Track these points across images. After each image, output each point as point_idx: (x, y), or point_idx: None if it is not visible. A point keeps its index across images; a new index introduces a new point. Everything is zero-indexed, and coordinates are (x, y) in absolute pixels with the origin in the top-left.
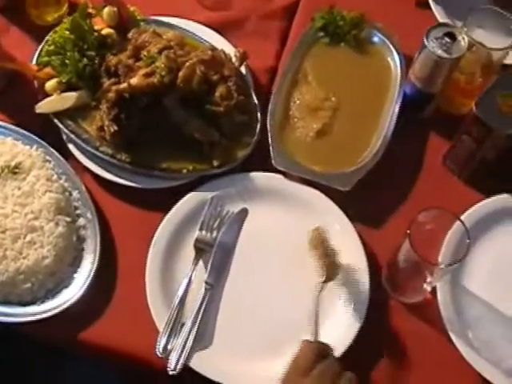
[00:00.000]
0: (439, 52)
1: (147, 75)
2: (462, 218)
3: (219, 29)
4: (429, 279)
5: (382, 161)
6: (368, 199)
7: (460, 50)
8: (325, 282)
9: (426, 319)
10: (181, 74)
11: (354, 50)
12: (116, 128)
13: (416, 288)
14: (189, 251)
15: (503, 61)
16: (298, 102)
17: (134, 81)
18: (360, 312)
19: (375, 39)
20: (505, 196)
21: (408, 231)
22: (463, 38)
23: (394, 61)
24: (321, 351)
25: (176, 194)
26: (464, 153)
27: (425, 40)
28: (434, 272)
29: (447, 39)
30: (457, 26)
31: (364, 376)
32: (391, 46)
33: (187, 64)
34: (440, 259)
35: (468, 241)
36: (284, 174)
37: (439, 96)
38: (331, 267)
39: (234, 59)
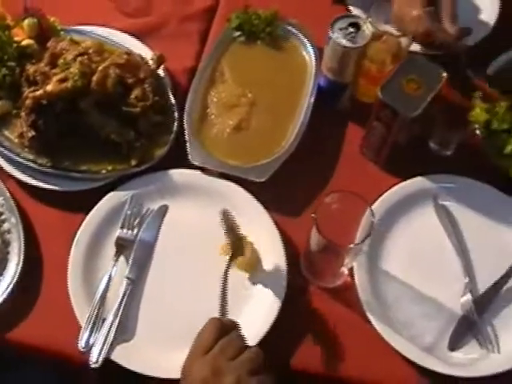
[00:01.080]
0: (344, 42)
1: (61, 81)
2: (378, 201)
3: (140, 34)
4: (345, 262)
5: (300, 152)
6: (287, 189)
7: (364, 39)
8: (231, 259)
9: (346, 302)
10: (94, 77)
11: (270, 47)
12: (34, 133)
13: (334, 272)
14: (110, 249)
15: (409, 48)
16: (215, 99)
17: (50, 87)
18: (278, 298)
19: (290, 35)
20: (419, 179)
21: (313, 215)
22: (367, 28)
23: (309, 55)
24: (223, 327)
25: (98, 195)
26: (376, 139)
27: (330, 31)
28: (346, 254)
29: (351, 29)
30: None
31: (284, 360)
32: (306, 41)
33: (100, 68)
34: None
35: (372, 220)
36: (202, 169)
37: (352, 86)
38: (237, 244)
39: (150, 62)
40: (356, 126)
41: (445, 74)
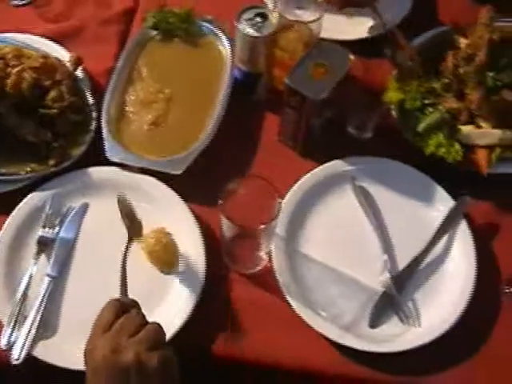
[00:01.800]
0: (251, 32)
1: None
2: (296, 186)
3: (61, 39)
4: (261, 246)
5: (218, 143)
6: (206, 180)
7: (271, 28)
8: (129, 241)
9: (266, 287)
10: (9, 81)
11: (187, 44)
12: None
13: (252, 258)
14: (32, 249)
15: (320, 35)
16: (133, 97)
17: None
18: (198, 286)
19: (206, 31)
20: (336, 162)
21: (220, 201)
22: (274, 17)
23: (225, 48)
24: (122, 306)
25: (19, 197)
26: (291, 125)
27: (236, 23)
28: (259, 238)
29: (258, 19)
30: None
31: (206, 347)
32: (221, 35)
33: (14, 71)
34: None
35: (279, 201)
36: (122, 166)
37: (267, 75)
38: (133, 228)
39: (68, 64)
40: (273, 114)
41: (352, 57)
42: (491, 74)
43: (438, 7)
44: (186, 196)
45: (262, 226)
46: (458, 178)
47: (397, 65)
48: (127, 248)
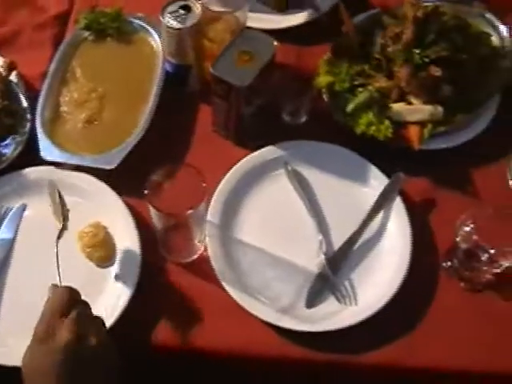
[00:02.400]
0: (174, 24)
1: None
2: (229, 173)
3: None
4: (194, 234)
5: (153, 137)
6: (141, 174)
7: (194, 19)
8: (61, 230)
9: (203, 275)
10: None
11: (119, 42)
12: None
13: (187, 246)
14: None
15: (246, 24)
16: (67, 98)
17: None
18: (134, 277)
19: (138, 28)
20: (269, 148)
21: (145, 191)
22: (197, 8)
23: (157, 44)
24: (73, 294)
25: None
26: (221, 114)
27: (160, 17)
28: (190, 225)
29: (182, 11)
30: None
31: (144, 338)
32: (152, 31)
33: None
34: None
35: (204, 185)
36: (57, 165)
37: (198, 67)
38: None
39: (1, 69)
40: (207, 105)
41: (276, 43)
42: (418, 51)
43: None
44: (121, 190)
45: (189, 212)
46: (393, 155)
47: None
48: (59, 236)
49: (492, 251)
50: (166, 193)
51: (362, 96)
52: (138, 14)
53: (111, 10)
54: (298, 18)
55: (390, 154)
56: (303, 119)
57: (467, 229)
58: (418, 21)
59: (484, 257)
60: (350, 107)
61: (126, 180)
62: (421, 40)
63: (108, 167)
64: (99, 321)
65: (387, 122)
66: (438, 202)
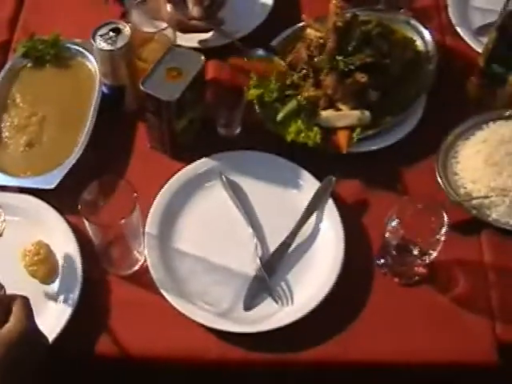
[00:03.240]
0: (105, 46)
1: None
2: (166, 186)
3: None
4: (131, 245)
5: (92, 156)
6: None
7: (124, 40)
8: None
9: (144, 285)
10: None
11: (58, 68)
12: None
13: (126, 259)
14: None
15: (176, 42)
16: (8, 124)
17: None
18: (75, 292)
19: (75, 53)
20: (204, 159)
21: (79, 207)
22: (127, 30)
23: (94, 67)
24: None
25: None
26: (155, 130)
27: (91, 40)
28: (126, 237)
29: (112, 34)
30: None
31: (89, 348)
32: (89, 55)
33: None
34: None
35: (135, 195)
36: (2, 188)
37: (134, 87)
38: None
39: None
40: (145, 124)
41: (203, 58)
42: (343, 58)
43: (299, 8)
44: (63, 209)
45: (122, 221)
46: (325, 160)
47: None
48: None
49: (420, 243)
50: (101, 207)
51: (290, 105)
52: (75, 39)
53: (49, 37)
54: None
55: (322, 159)
56: (237, 131)
57: (394, 224)
58: (339, 29)
59: (415, 250)
60: (280, 116)
61: (67, 199)
62: (344, 48)
63: (48, 187)
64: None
65: (316, 129)
66: (370, 202)
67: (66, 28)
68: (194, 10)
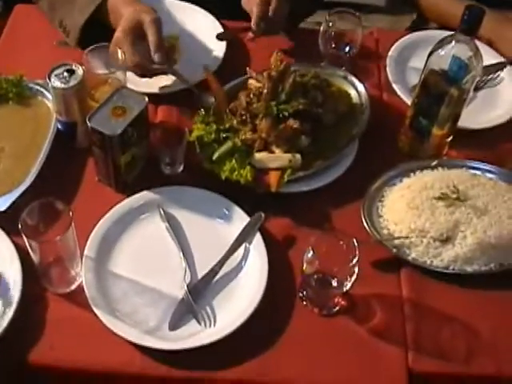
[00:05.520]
0: (59, 84)
1: None
2: (107, 215)
3: None
4: (68, 266)
5: (43, 186)
6: None
7: (76, 80)
8: None
9: (79, 303)
10: None
11: (20, 105)
12: None
13: (65, 278)
14: None
15: (126, 85)
16: None
17: None
18: (12, 306)
19: (37, 92)
20: (145, 192)
21: (19, 226)
22: (80, 71)
23: (51, 103)
24: None
25: None
26: (101, 163)
27: (47, 79)
28: (65, 260)
29: (66, 74)
30: None
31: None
32: (48, 94)
33: None
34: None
35: (70, 214)
36: None
37: (84, 125)
38: None
39: None
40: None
41: (146, 99)
42: (274, 103)
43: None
44: (10, 230)
45: (58, 238)
46: (259, 198)
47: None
48: None
49: (336, 274)
50: (40, 226)
51: (225, 146)
52: (37, 79)
53: (13, 77)
54: (174, 86)
55: (253, 197)
56: (180, 169)
57: (310, 255)
58: (272, 78)
59: (334, 282)
60: (216, 155)
61: (15, 222)
62: (278, 95)
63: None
64: None
65: (248, 168)
66: (296, 239)
67: (30, 69)
68: (156, 56)
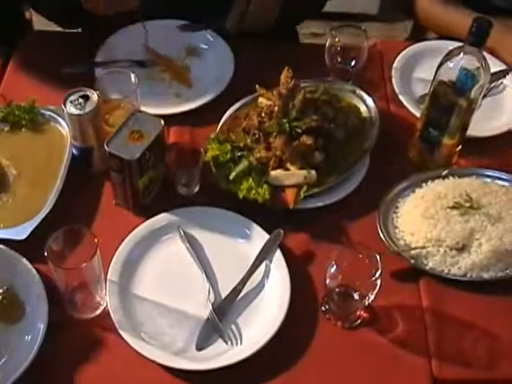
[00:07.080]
0: (74, 111)
1: None
2: (128, 238)
3: None
4: (93, 291)
5: (61, 212)
6: None
7: (91, 106)
8: None
9: (105, 328)
10: None
11: (33, 131)
12: None
13: (90, 303)
14: None
15: (140, 108)
16: None
17: None
18: (39, 336)
19: (48, 118)
20: (164, 214)
21: (45, 253)
22: (95, 97)
23: (66, 131)
24: None
25: None
26: (119, 187)
27: (62, 106)
28: (89, 284)
29: (81, 100)
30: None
31: None
32: (61, 120)
33: None
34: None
35: (95, 240)
36: None
37: (99, 150)
38: None
39: None
40: (110, 183)
41: (162, 122)
42: (291, 123)
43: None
44: (33, 258)
45: (84, 265)
46: (275, 215)
47: None
48: None
49: (358, 288)
50: (65, 253)
51: (241, 165)
52: (49, 106)
53: (25, 104)
54: (188, 105)
55: (271, 214)
56: (196, 190)
57: (333, 270)
58: (282, 96)
59: (356, 295)
60: (232, 175)
61: (37, 249)
62: (289, 113)
63: (19, 238)
64: None
65: (265, 186)
66: (315, 254)
67: (43, 94)
68: None
